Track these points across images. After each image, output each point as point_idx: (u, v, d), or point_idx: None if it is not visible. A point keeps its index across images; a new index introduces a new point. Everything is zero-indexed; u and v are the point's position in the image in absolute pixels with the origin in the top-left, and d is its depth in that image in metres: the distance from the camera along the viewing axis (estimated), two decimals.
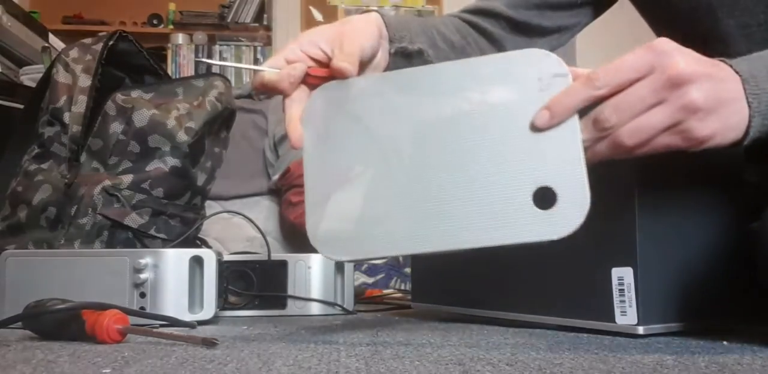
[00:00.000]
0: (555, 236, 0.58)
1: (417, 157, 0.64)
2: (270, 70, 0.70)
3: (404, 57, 0.84)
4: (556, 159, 0.59)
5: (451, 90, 0.64)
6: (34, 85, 1.29)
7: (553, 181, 0.59)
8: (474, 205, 0.61)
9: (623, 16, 1.10)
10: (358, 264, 1.38)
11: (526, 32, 0.99)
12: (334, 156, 0.67)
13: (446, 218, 0.61)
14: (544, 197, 0.59)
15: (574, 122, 0.60)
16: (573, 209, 0.58)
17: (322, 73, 0.70)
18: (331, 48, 0.71)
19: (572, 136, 0.59)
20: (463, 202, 0.61)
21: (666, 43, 0.58)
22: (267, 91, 0.71)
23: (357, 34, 0.74)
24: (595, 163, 0.60)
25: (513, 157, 0.60)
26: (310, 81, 0.71)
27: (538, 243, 0.58)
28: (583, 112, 0.60)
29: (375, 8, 4.08)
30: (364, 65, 0.75)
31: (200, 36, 4.17)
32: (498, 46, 0.98)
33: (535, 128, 0.60)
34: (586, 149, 0.59)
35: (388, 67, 0.81)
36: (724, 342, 0.66)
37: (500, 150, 0.61)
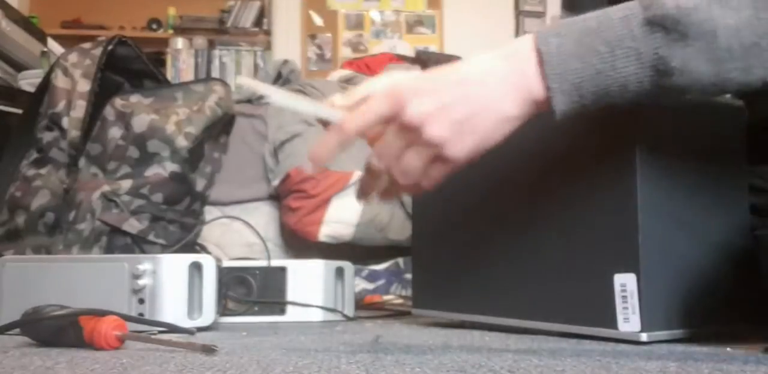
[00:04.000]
0: None
1: None
2: (333, 115, 0.64)
3: None
4: None
5: None
6: (32, 90, 1.29)
7: None
8: None
9: None
10: (358, 270, 1.38)
11: None
12: None
13: None
14: None
15: None
16: None
17: None
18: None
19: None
20: None
21: (403, 87, 0.60)
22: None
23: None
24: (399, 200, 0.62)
25: None
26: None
27: None
28: None
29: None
30: None
31: (200, 41, 4.17)
32: None
33: None
34: (383, 193, 0.66)
35: None
36: (728, 349, 0.66)
37: None
